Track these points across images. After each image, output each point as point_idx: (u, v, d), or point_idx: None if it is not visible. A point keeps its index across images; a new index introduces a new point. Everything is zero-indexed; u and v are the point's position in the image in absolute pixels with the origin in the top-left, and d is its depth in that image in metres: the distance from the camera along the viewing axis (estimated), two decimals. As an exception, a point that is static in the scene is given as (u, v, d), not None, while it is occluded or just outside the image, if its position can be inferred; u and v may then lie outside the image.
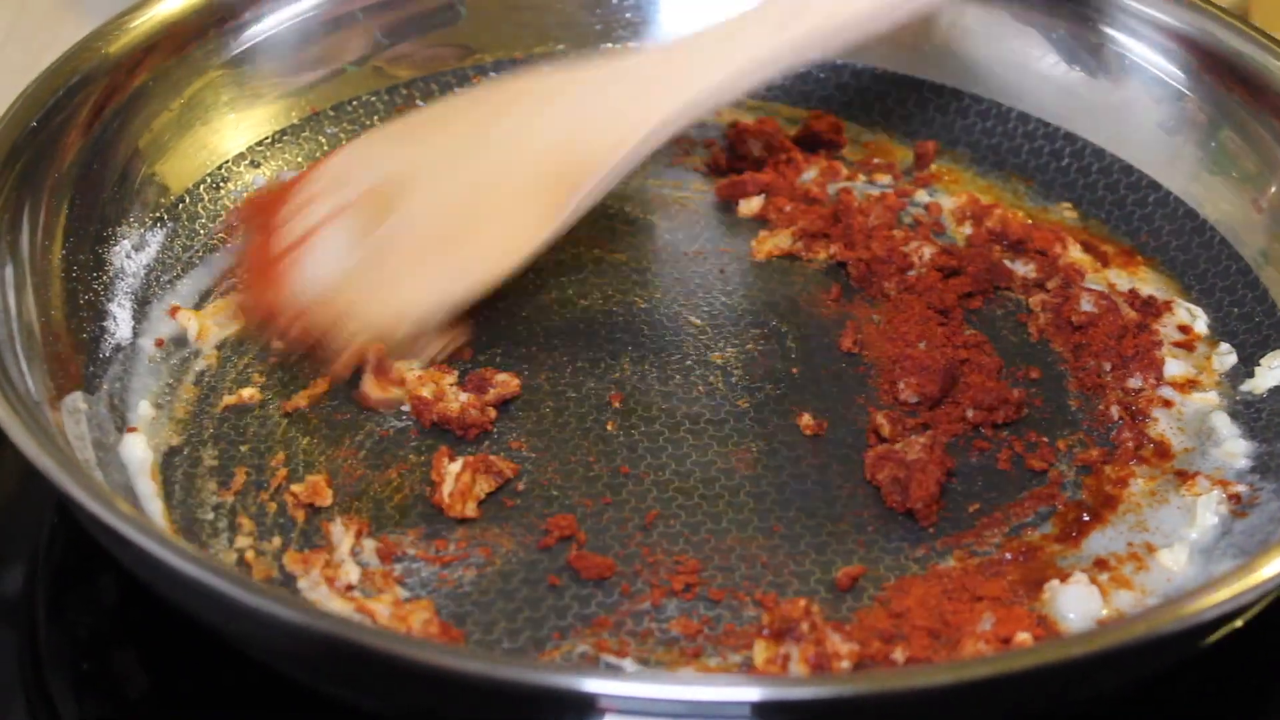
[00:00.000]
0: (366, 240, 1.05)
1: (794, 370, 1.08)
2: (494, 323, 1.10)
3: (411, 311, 1.04)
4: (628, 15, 1.35)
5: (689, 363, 1.08)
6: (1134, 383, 1.06)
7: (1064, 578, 0.93)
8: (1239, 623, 0.84)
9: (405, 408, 1.03)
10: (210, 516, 0.96)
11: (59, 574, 0.99)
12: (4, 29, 1.47)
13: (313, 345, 1.04)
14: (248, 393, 1.04)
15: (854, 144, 1.29)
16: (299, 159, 1.22)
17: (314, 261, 1.05)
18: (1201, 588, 0.81)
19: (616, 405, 1.05)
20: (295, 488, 0.97)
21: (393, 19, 1.29)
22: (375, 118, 1.26)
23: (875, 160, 1.27)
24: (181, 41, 1.17)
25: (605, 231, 1.19)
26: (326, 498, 0.97)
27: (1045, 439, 1.03)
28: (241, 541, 0.94)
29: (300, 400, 1.04)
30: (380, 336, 1.03)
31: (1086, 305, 1.09)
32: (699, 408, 1.05)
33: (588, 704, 0.75)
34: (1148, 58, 1.22)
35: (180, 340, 1.07)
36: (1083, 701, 0.84)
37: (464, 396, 1.03)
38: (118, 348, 1.04)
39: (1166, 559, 0.95)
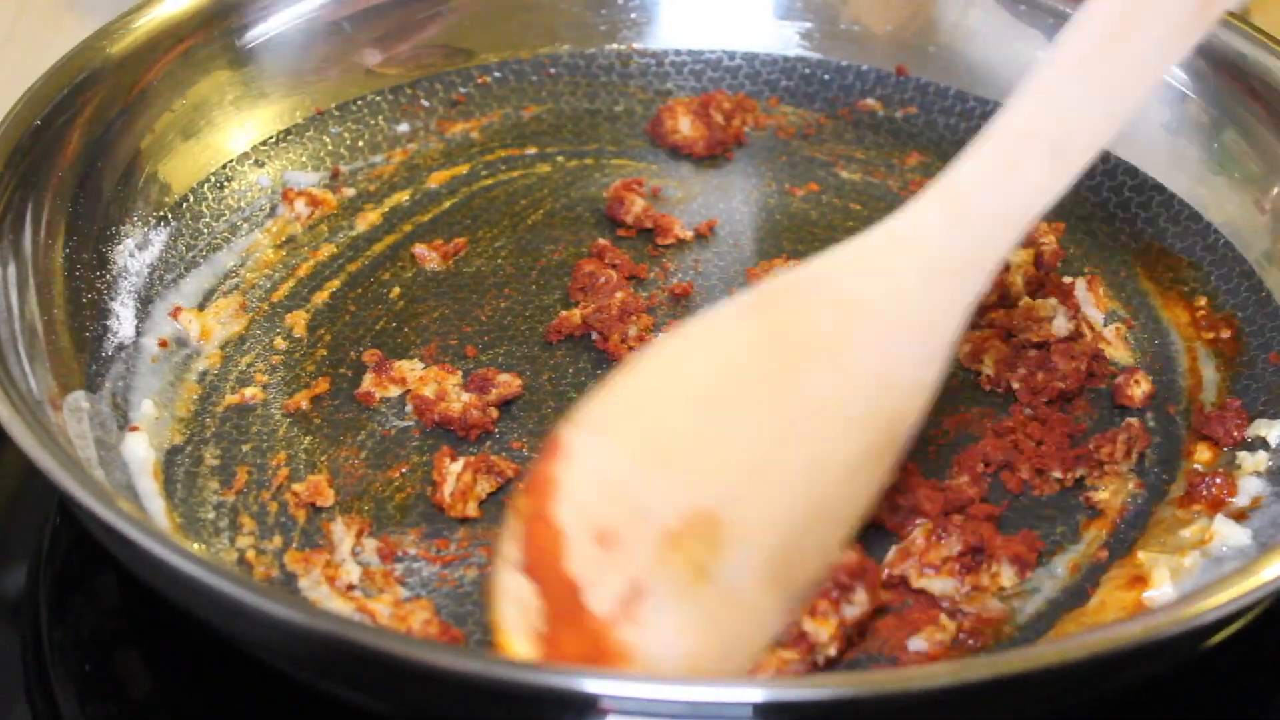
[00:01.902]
0: (691, 595, 0.84)
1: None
2: (496, 323, 1.10)
3: (766, 636, 0.86)
4: (632, 15, 1.35)
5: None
6: None
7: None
8: (1240, 625, 0.84)
9: (408, 408, 1.03)
10: (211, 516, 0.96)
11: (61, 574, 0.99)
12: (5, 29, 1.47)
13: None
14: (250, 392, 1.04)
15: (857, 145, 1.29)
16: (303, 159, 1.22)
17: (641, 638, 0.82)
18: (1202, 590, 0.81)
19: (619, 406, 1.05)
20: (296, 487, 0.97)
21: (384, 22, 1.29)
22: (379, 117, 1.26)
23: (880, 165, 1.27)
24: (185, 41, 1.17)
25: (608, 234, 1.19)
26: (328, 497, 0.97)
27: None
28: (243, 541, 0.94)
29: (302, 400, 1.04)
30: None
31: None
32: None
33: (588, 704, 0.75)
34: (1151, 59, 1.22)
35: (182, 339, 1.07)
36: (1084, 703, 0.84)
37: (466, 397, 1.03)
38: (120, 346, 1.04)
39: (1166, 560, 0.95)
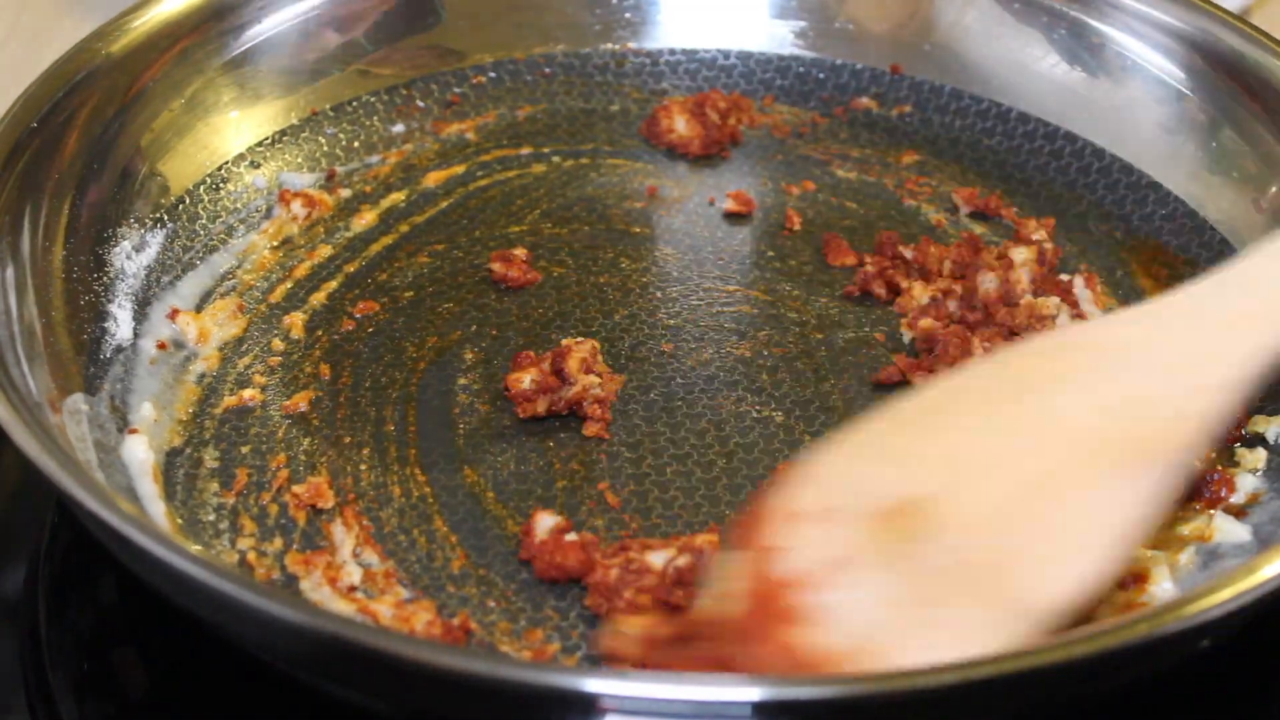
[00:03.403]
0: (894, 572, 0.82)
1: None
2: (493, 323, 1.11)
3: (966, 645, 0.81)
4: (627, 15, 1.35)
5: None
6: None
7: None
8: (1239, 623, 0.84)
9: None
10: (212, 518, 0.96)
11: (60, 574, 0.98)
12: (5, 28, 1.47)
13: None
14: (248, 394, 1.04)
15: (852, 143, 1.29)
16: (299, 160, 1.22)
17: (833, 603, 0.82)
18: (1203, 588, 0.81)
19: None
20: (297, 489, 0.97)
21: (381, 23, 1.29)
22: (375, 118, 1.26)
23: (875, 163, 1.27)
24: (182, 41, 1.17)
25: (609, 232, 1.19)
26: (328, 499, 0.97)
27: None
28: (243, 543, 0.94)
29: (300, 401, 1.04)
30: None
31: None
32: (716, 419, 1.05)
33: (588, 704, 0.75)
34: (1148, 58, 1.22)
35: (180, 341, 1.07)
36: (1084, 701, 0.84)
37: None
38: (118, 349, 1.04)
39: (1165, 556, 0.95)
